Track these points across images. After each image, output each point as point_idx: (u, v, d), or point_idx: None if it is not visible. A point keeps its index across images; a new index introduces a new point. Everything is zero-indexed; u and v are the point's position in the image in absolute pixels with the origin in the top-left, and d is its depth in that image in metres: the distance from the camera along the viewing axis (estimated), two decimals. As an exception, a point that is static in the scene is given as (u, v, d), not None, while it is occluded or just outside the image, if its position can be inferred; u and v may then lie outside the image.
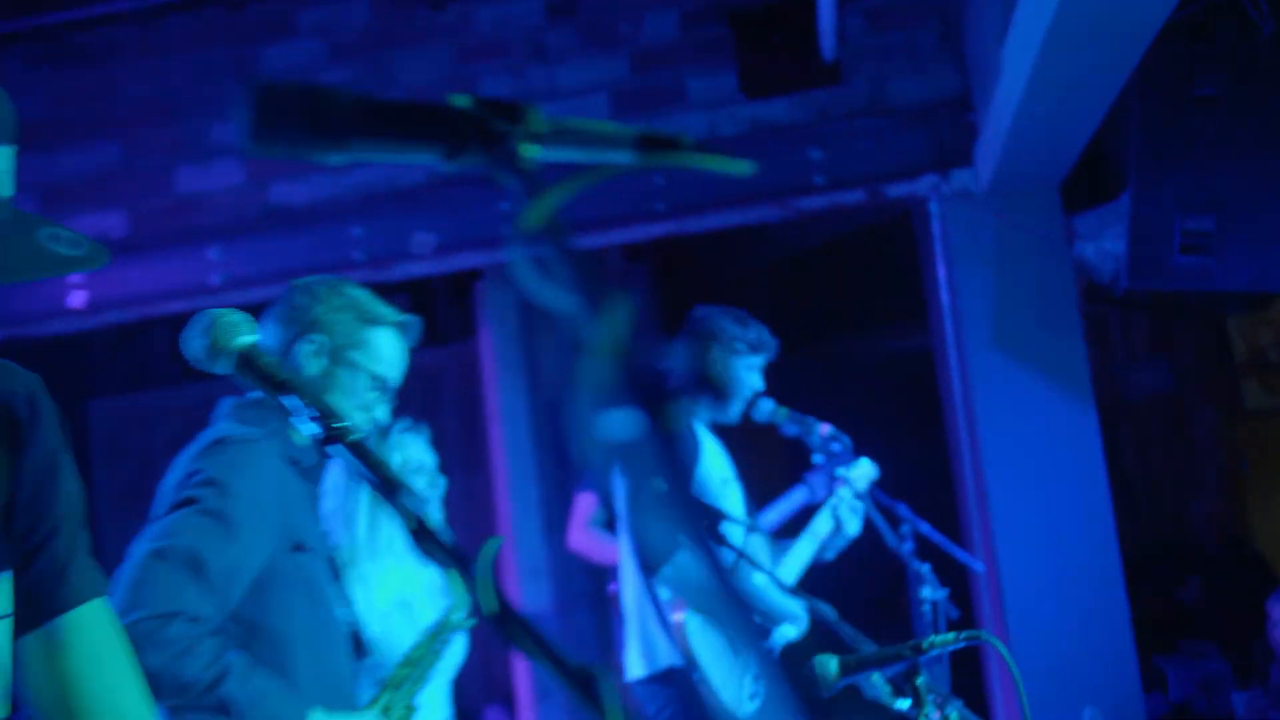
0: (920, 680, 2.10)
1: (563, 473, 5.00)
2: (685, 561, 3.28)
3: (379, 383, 2.22)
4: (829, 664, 2.13)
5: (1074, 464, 4.41)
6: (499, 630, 1.10)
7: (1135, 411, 6.41)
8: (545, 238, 0.86)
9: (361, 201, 4.55)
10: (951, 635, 2.10)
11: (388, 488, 1.24)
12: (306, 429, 1.32)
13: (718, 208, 4.54)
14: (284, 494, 2.07)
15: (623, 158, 0.97)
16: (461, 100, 0.90)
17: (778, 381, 3.78)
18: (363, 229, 4.56)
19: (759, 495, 4.03)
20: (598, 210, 4.54)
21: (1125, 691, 4.36)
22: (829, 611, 2.74)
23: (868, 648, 2.33)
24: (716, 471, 3.55)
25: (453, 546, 1.21)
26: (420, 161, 0.89)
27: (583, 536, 4.11)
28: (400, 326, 2.27)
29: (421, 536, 1.22)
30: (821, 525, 3.66)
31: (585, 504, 4.12)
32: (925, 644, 2.09)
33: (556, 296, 0.83)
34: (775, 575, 2.94)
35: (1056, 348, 4.44)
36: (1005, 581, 4.36)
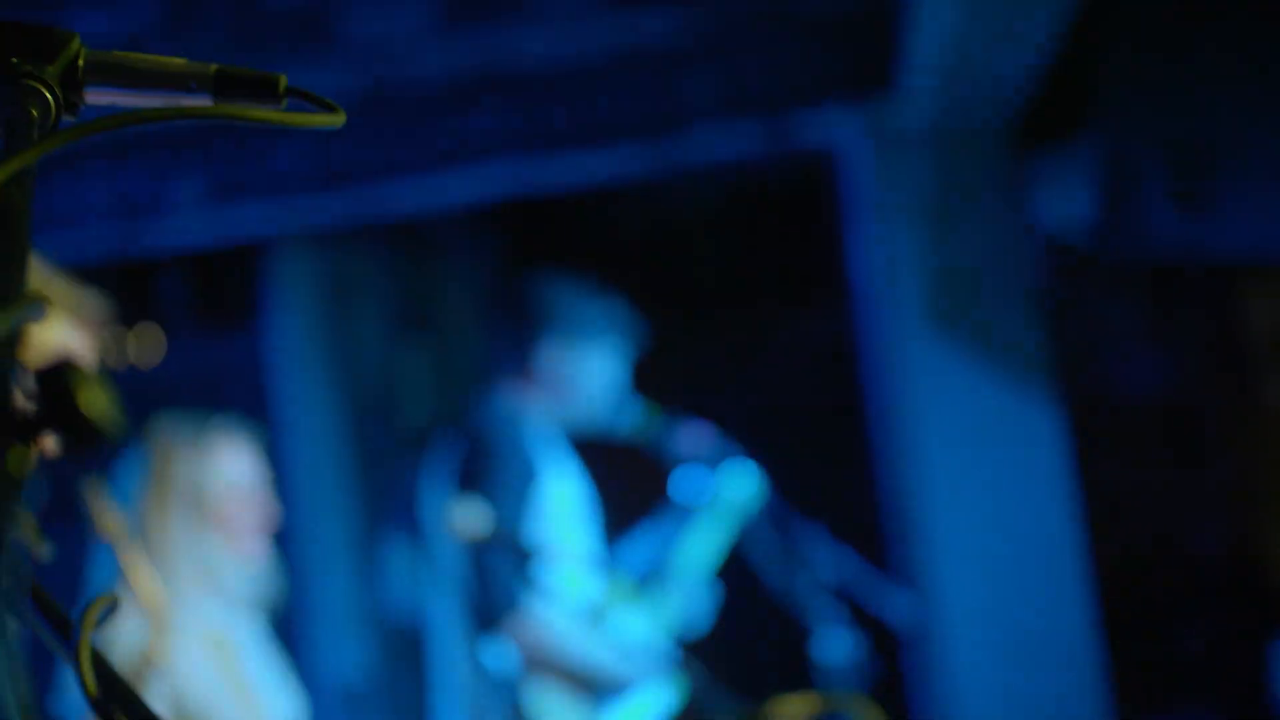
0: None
1: (379, 501, 4.90)
2: (528, 623, 3.27)
3: None
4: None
5: (1033, 478, 4.42)
6: (102, 713, 1.06)
7: (1122, 411, 6.46)
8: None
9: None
10: (804, 704, 2.05)
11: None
12: None
13: (572, 155, 4.47)
14: None
15: (196, 100, 1.02)
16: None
17: (648, 373, 3.74)
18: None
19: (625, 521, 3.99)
20: (416, 159, 4.46)
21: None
22: (697, 674, 2.72)
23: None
24: (560, 495, 3.51)
25: (54, 609, 1.14)
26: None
27: None
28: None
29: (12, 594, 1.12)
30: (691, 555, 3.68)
31: None
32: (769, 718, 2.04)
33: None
34: (609, 635, 2.90)
35: (1010, 329, 4.45)
36: (946, 629, 4.35)
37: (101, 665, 1.11)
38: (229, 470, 2.81)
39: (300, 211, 4.49)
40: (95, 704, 1.10)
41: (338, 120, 1.02)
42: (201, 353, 5.31)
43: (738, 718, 2.05)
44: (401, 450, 4.95)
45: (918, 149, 4.43)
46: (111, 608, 1.60)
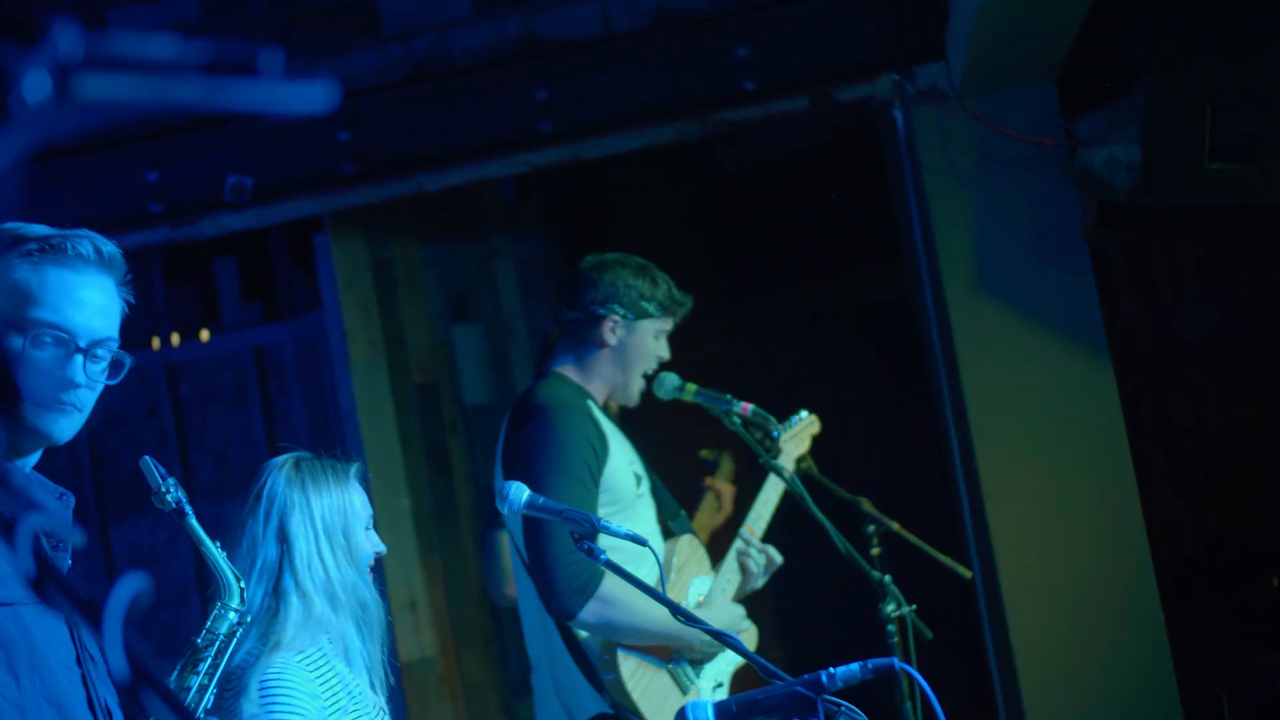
0: (821, 726, 2.09)
1: (442, 480, 4.97)
2: (610, 595, 3.32)
3: None
4: (703, 711, 2.13)
5: (1086, 434, 4.43)
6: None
7: (1188, 363, 6.42)
8: None
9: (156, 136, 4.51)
10: (857, 667, 2.09)
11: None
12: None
13: (621, 127, 4.51)
14: None
15: None
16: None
17: (706, 347, 3.76)
18: (160, 173, 4.51)
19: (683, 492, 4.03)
20: (466, 136, 4.50)
21: (1163, 721, 4.39)
22: (737, 642, 2.75)
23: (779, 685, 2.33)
24: (626, 465, 3.54)
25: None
26: None
27: None
28: None
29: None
30: (758, 516, 3.70)
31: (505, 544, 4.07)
32: (825, 677, 2.08)
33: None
34: (686, 611, 2.94)
35: (1057, 286, 4.45)
36: (1004, 588, 4.37)
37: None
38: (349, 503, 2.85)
39: (351, 193, 4.55)
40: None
41: None
42: (259, 336, 5.41)
43: (786, 689, 2.09)
44: (457, 431, 5.03)
45: (960, 108, 4.42)
46: (141, 591, 1.68)
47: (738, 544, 3.67)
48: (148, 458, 2.42)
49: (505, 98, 4.51)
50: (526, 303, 5.17)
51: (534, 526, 3.36)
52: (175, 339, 5.42)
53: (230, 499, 4.13)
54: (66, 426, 2.16)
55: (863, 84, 4.50)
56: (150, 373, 5.28)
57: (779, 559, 3.67)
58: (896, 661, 2.06)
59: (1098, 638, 4.35)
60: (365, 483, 2.88)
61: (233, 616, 2.47)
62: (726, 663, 3.67)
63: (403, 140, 4.50)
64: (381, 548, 2.85)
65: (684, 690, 3.55)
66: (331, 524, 2.76)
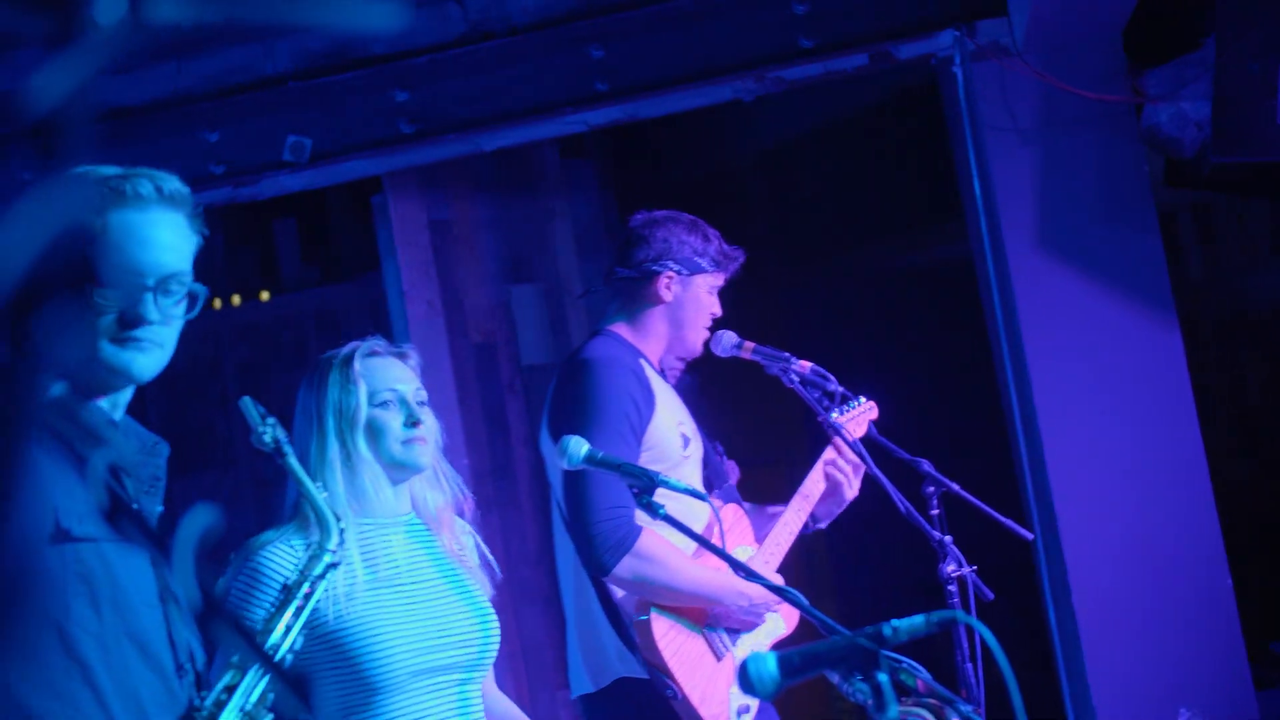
0: (882, 677, 2.08)
1: (500, 439, 5.00)
2: (647, 551, 3.31)
3: None
4: (765, 663, 2.12)
5: (1152, 396, 4.40)
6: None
7: (1257, 325, 6.35)
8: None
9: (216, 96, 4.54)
10: (921, 619, 2.08)
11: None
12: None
13: (677, 85, 4.50)
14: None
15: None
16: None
17: (764, 310, 3.76)
18: (220, 133, 4.55)
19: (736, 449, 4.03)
20: (523, 95, 4.51)
21: (1232, 687, 4.36)
22: (799, 598, 2.75)
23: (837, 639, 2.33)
24: (673, 427, 3.54)
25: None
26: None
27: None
28: None
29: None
30: (811, 487, 3.67)
31: None
32: (888, 630, 2.08)
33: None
34: (742, 565, 2.93)
35: (1123, 246, 4.41)
36: (1067, 551, 4.35)
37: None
38: (386, 385, 2.86)
39: (410, 153, 4.58)
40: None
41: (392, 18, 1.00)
42: (318, 297, 5.45)
43: (850, 639, 2.08)
44: (515, 390, 5.05)
45: (1023, 64, 4.39)
46: (211, 524, 1.71)
47: (825, 455, 3.66)
48: (247, 398, 2.45)
49: (562, 56, 4.51)
50: (583, 263, 5.18)
51: (575, 480, 3.35)
52: (236, 300, 5.48)
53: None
54: (145, 364, 2.21)
55: (923, 40, 4.47)
56: (211, 333, 5.34)
57: (857, 486, 3.67)
58: (960, 614, 2.05)
59: (1164, 603, 4.33)
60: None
61: (328, 558, 2.47)
62: (765, 634, 3.64)
63: (460, 100, 4.51)
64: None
65: (718, 656, 3.51)
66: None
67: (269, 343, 5.36)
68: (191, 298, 2.25)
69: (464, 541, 2.96)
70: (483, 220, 5.02)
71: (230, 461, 5.04)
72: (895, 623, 2.09)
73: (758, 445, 4.37)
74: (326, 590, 2.57)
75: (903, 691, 2.34)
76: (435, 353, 4.80)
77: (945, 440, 3.97)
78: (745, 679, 2.12)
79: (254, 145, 4.53)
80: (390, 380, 2.86)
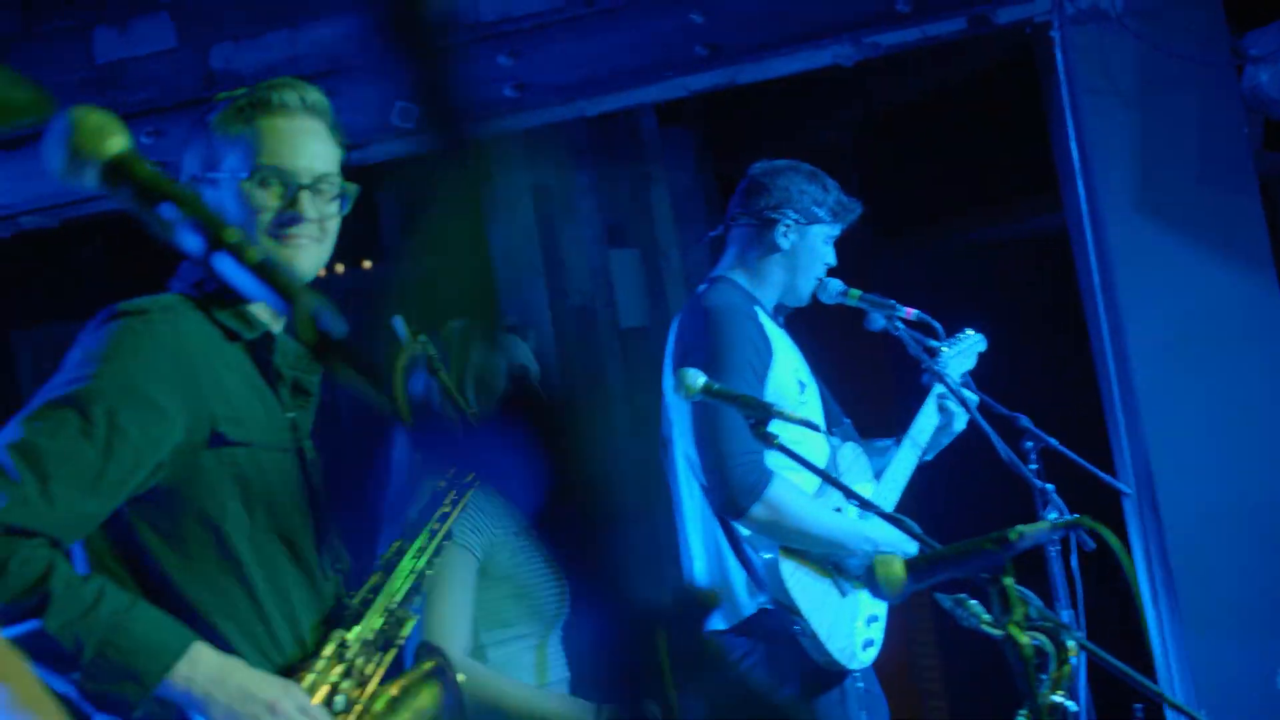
0: (1009, 582, 2.14)
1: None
2: (777, 500, 3.39)
3: None
4: (892, 565, 2.18)
5: (1250, 359, 4.39)
6: (322, 361, 1.19)
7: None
8: None
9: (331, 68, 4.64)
10: (1046, 523, 2.14)
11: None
12: (190, 243, 1.39)
13: (776, 49, 4.54)
14: (193, 374, 2.19)
15: None
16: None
17: (863, 280, 3.81)
18: (333, 101, 4.64)
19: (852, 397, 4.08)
20: (624, 60, 4.57)
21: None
22: (913, 526, 2.80)
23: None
24: (790, 373, 3.61)
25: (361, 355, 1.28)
26: None
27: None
28: None
29: (325, 351, 1.29)
30: (925, 421, 3.74)
31: None
32: (1013, 535, 2.13)
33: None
34: (860, 496, 2.99)
35: (1222, 211, 4.41)
36: (1164, 508, 4.36)
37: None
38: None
39: (512, 117, 4.65)
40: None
41: None
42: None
43: (974, 544, 2.14)
44: (614, 353, 5.12)
45: (1121, 27, 4.39)
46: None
47: (936, 389, 3.73)
48: (399, 317, 2.56)
49: (663, 21, 4.56)
50: (680, 229, 5.25)
51: (707, 421, 3.43)
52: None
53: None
54: (306, 260, 2.32)
55: (1021, 3, 4.48)
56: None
57: (966, 418, 3.72)
58: (1085, 519, 2.11)
59: (1261, 561, 4.32)
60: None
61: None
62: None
63: (562, 65, 4.58)
64: None
65: (843, 593, 3.60)
66: None
67: (372, 309, 5.45)
68: (343, 196, 2.38)
69: None
70: (583, 185, 5.11)
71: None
72: (1020, 528, 2.15)
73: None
74: None
75: (1018, 614, 2.39)
76: (537, 315, 4.89)
77: (1041, 409, 3.99)
78: (873, 581, 2.19)
79: (364, 110, 4.62)
80: None
